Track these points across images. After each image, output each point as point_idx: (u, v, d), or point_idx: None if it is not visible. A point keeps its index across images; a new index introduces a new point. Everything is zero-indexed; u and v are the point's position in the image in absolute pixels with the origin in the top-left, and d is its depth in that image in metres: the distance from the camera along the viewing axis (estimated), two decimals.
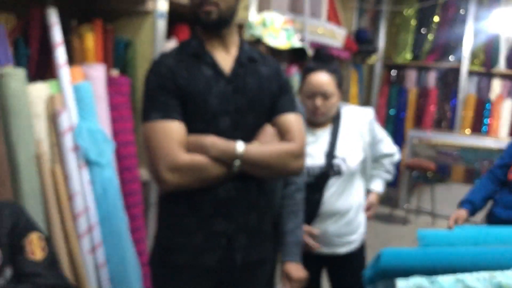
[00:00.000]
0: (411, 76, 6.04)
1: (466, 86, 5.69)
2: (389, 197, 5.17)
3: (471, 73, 5.66)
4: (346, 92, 5.38)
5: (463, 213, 2.13)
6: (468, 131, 5.63)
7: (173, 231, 1.37)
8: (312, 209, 1.84)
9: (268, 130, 1.37)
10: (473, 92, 5.77)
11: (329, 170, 1.84)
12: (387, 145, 2.04)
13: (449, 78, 5.83)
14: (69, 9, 1.96)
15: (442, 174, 5.36)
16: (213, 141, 1.29)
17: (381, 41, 5.98)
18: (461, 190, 4.36)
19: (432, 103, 5.86)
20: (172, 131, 1.27)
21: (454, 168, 5.57)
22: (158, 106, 1.29)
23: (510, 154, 2.25)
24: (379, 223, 4.50)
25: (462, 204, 2.20)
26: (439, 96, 5.88)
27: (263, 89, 1.39)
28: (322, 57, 1.86)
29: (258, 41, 1.73)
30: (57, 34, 1.74)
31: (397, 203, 4.85)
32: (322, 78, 1.79)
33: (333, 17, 4.84)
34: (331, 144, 1.85)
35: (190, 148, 1.28)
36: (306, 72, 1.83)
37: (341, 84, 1.84)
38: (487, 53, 5.63)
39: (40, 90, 1.65)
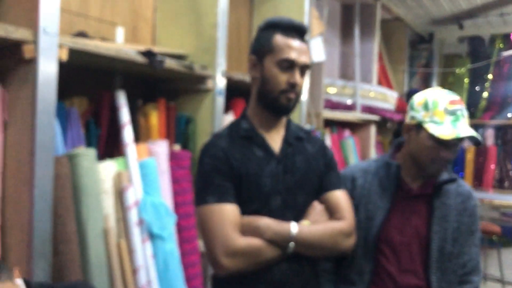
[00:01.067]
0: None
1: None
2: None
3: None
4: None
5: None
6: None
7: None
8: None
9: (317, 208, 1.37)
10: None
11: None
12: None
13: (509, 136, 5.63)
14: (136, 90, 2.10)
15: (508, 238, 5.04)
16: (267, 223, 1.28)
17: None
18: None
19: (492, 161, 5.64)
20: (228, 214, 1.27)
21: None
22: (213, 189, 1.30)
23: None
24: None
25: None
26: (499, 154, 5.66)
27: (311, 168, 1.40)
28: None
29: (419, 126, 1.52)
30: (125, 115, 1.86)
31: None
32: None
33: (384, 80, 4.87)
34: None
35: (244, 230, 1.28)
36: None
37: None
38: None
39: (108, 168, 1.75)
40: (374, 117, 4.22)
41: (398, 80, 5.30)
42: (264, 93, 1.36)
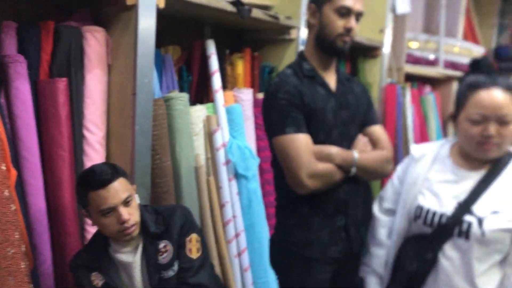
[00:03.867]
0: None
1: None
2: None
3: None
4: None
5: None
6: None
7: (304, 229, 1.48)
8: (421, 270, 1.33)
9: (363, 140, 1.52)
10: None
11: (454, 226, 1.27)
12: None
13: None
14: (223, 40, 2.13)
15: None
16: (337, 151, 1.43)
17: None
18: None
19: None
20: (306, 143, 1.40)
21: None
22: (291, 121, 1.41)
23: None
24: None
25: None
26: None
27: (359, 104, 1.55)
28: (488, 69, 1.31)
29: None
30: (214, 63, 1.91)
31: None
32: (498, 97, 1.24)
33: (470, 35, 4.53)
34: (474, 194, 1.28)
35: (318, 157, 1.41)
36: (470, 88, 1.29)
37: None
38: None
39: (199, 112, 1.82)
40: (457, 73, 3.97)
41: (486, 35, 4.89)
42: (322, 37, 1.47)
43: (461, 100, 1.32)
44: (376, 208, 1.52)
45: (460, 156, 1.36)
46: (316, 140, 1.43)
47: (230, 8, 1.78)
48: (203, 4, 1.65)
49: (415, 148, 1.45)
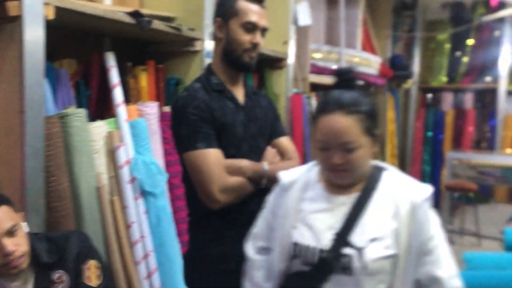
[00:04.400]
0: (448, 98, 5.88)
1: (505, 106, 5.47)
2: None
3: (510, 92, 5.46)
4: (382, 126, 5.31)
5: None
6: (509, 150, 5.38)
7: (218, 243, 1.46)
8: None
9: (272, 151, 1.54)
10: None
11: (333, 261, 1.11)
12: (443, 262, 1.14)
13: (487, 99, 5.64)
14: (125, 52, 2.04)
15: (484, 194, 5.13)
16: (247, 164, 1.44)
17: (416, 66, 5.88)
18: (505, 210, 4.17)
19: (470, 124, 5.66)
20: (217, 158, 1.40)
21: (496, 188, 5.32)
22: (201, 137, 1.40)
23: None
24: None
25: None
26: (477, 117, 5.68)
27: (266, 117, 1.58)
28: (346, 83, 1.18)
29: None
30: (114, 76, 1.81)
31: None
32: (338, 124, 1.10)
33: (368, 46, 4.81)
34: (349, 221, 1.13)
35: (228, 171, 1.41)
36: (317, 112, 1.16)
37: (373, 127, 1.14)
38: None
39: (99, 128, 1.72)
40: (358, 82, 4.19)
41: (382, 46, 5.23)
42: (229, 52, 1.47)
43: (314, 124, 1.21)
44: (249, 248, 1.31)
45: (329, 183, 1.20)
46: (227, 154, 1.43)
47: (129, 19, 1.70)
48: (99, 15, 1.56)
49: (283, 175, 1.26)
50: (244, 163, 1.44)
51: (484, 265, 1.62)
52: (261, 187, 1.45)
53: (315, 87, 3.77)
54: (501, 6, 5.16)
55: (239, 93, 1.53)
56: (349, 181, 1.16)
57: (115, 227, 1.68)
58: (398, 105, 5.83)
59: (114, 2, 2.12)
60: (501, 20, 5.23)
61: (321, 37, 4.27)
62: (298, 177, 1.24)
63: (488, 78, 5.62)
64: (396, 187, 1.15)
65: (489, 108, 5.61)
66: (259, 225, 1.31)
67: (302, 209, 1.19)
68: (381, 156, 5.27)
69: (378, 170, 1.19)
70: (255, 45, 1.45)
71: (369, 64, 4.48)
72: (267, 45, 2.75)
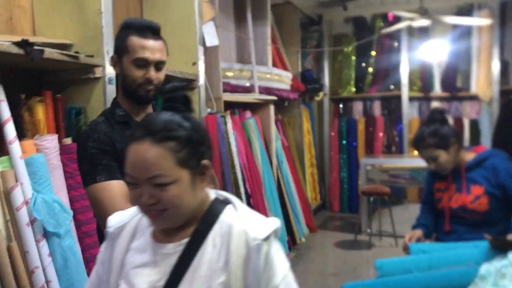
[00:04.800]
0: (358, 107, 6.18)
1: (409, 111, 5.86)
2: (352, 223, 5.17)
3: (411, 98, 5.85)
4: (300, 130, 5.45)
5: (418, 232, 2.10)
6: (416, 152, 5.74)
7: None
8: None
9: None
10: (416, 115, 5.95)
11: None
12: None
13: (393, 105, 6.00)
14: (19, 83, 1.90)
15: (398, 196, 5.42)
16: None
17: (326, 78, 6.13)
18: (417, 209, 4.40)
19: (380, 130, 5.99)
20: (120, 189, 1.34)
21: (408, 189, 5.65)
22: (102, 169, 1.36)
23: (428, 181, 2.26)
24: (345, 249, 4.48)
25: (415, 226, 2.19)
26: (385, 123, 6.02)
27: None
28: (171, 103, 0.97)
29: None
30: (5, 111, 1.67)
31: (360, 228, 4.85)
32: (145, 155, 0.90)
33: (279, 62, 4.93)
34: (173, 277, 0.92)
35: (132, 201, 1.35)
36: (128, 140, 0.95)
37: (193, 157, 0.93)
38: (423, 80, 5.85)
39: None
40: (272, 97, 4.28)
41: (293, 61, 5.40)
42: (125, 86, 1.47)
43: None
44: None
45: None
46: None
47: (16, 50, 1.58)
48: None
49: (111, 219, 1.04)
50: None
51: (394, 271, 1.69)
52: None
53: (231, 104, 3.79)
54: (397, 19, 5.55)
55: None
56: (169, 224, 0.94)
57: (15, 275, 1.54)
58: (313, 117, 6.04)
59: (4, 29, 1.97)
60: (398, 31, 5.61)
61: (233, 56, 4.32)
62: (127, 221, 1.02)
63: (392, 86, 5.99)
64: (234, 226, 0.92)
65: (395, 114, 5.97)
66: (91, 279, 1.06)
67: (126, 263, 0.97)
68: (301, 167, 5.41)
69: (219, 206, 0.97)
70: (149, 80, 1.44)
71: (281, 79, 4.60)
72: (176, 67, 2.72)
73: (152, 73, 1.44)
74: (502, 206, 1.98)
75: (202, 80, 2.91)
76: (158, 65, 1.46)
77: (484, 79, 5.47)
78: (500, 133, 3.23)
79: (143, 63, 1.43)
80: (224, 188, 3.07)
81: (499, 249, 1.59)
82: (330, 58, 6.22)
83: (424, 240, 2.07)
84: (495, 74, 5.33)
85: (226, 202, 0.99)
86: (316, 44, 6.08)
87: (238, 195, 3.30)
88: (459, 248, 1.76)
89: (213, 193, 1.01)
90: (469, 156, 2.08)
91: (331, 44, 6.24)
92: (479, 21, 5.05)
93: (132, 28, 1.44)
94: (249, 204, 3.47)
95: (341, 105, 6.34)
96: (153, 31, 1.45)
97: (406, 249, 1.95)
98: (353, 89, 6.19)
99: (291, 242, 4.23)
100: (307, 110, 5.78)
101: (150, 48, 1.43)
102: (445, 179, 2.11)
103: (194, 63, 2.86)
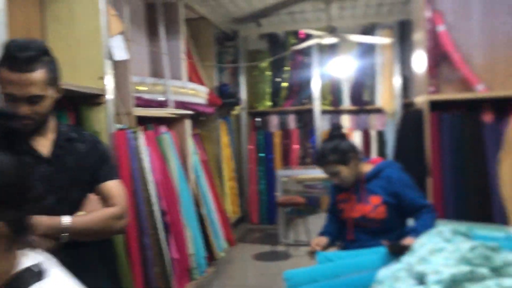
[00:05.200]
0: (274, 121, 6.34)
1: (321, 124, 6.11)
2: (271, 235, 5.24)
3: (323, 112, 6.11)
4: (217, 143, 5.46)
5: (323, 238, 2.18)
6: None
7: None
8: None
9: (92, 199, 1.49)
10: (327, 128, 6.21)
11: None
12: None
13: (306, 119, 6.23)
14: None
15: (312, 206, 5.60)
16: (38, 220, 1.34)
17: (243, 93, 6.22)
18: None
19: (295, 142, 6.18)
20: None
21: (322, 199, 5.86)
22: None
23: (332, 193, 2.37)
24: (264, 261, 4.52)
25: (322, 234, 2.27)
26: (300, 136, 6.22)
27: (83, 165, 1.52)
28: None
29: None
30: None
31: (277, 239, 4.93)
32: None
33: (194, 77, 4.92)
34: None
35: None
36: None
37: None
38: (333, 94, 6.14)
39: None
40: (188, 112, 4.24)
41: (209, 76, 5.41)
42: None
43: None
44: None
45: None
46: None
47: None
48: None
49: None
50: (36, 220, 1.31)
51: (302, 281, 1.73)
52: (62, 242, 1.38)
53: (145, 120, 3.69)
54: (308, 36, 5.79)
55: (43, 145, 1.47)
56: None
57: None
58: (232, 130, 6.09)
59: None
60: (309, 48, 5.86)
61: (146, 70, 4.23)
62: None
63: (305, 100, 6.22)
64: None
65: (308, 126, 6.20)
66: None
67: None
68: (220, 180, 5.40)
69: (24, 280, 0.76)
70: (21, 115, 1.36)
71: (197, 94, 4.58)
72: (81, 82, 2.59)
73: (24, 108, 1.36)
74: (397, 213, 2.11)
75: (110, 95, 2.81)
76: (31, 99, 1.36)
77: (387, 93, 5.86)
78: (398, 144, 3.46)
79: (12, 98, 1.35)
80: (137, 207, 2.98)
81: (395, 253, 1.69)
82: (246, 73, 6.33)
83: (328, 247, 2.17)
84: (397, 89, 5.74)
85: (39, 275, 0.77)
86: (232, 59, 6.15)
87: (151, 212, 3.20)
88: (362, 255, 1.84)
89: (30, 261, 0.79)
90: (367, 168, 2.20)
91: (247, 60, 6.35)
92: (381, 39, 5.42)
93: (6, 59, 1.34)
94: (164, 221, 3.39)
95: (258, 119, 6.45)
96: (27, 62, 1.34)
97: (312, 255, 2.02)
98: (269, 103, 6.34)
99: (210, 258, 4.19)
100: (226, 124, 5.81)
101: (18, 82, 1.33)
102: (347, 191, 2.21)
103: (101, 78, 2.76)
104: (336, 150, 2.11)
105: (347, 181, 2.14)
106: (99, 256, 1.58)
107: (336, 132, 2.17)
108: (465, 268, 1.51)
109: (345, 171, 2.11)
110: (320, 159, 2.15)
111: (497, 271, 1.54)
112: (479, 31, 3.35)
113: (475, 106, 3.31)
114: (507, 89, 3.28)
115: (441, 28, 3.31)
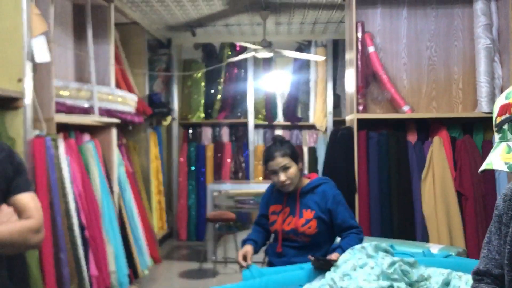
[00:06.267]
0: (207, 133, 6.33)
1: (255, 138, 6.19)
2: (199, 252, 5.19)
3: (257, 126, 6.20)
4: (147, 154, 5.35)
5: (249, 248, 2.21)
6: (260, 179, 6.08)
7: None
8: None
9: (5, 210, 1.43)
10: (261, 142, 6.31)
11: None
12: None
13: (240, 132, 6.29)
14: None
15: (243, 221, 5.63)
16: None
17: (176, 103, 6.17)
18: None
19: (228, 156, 6.21)
20: None
21: (253, 214, 5.91)
22: None
23: (263, 205, 2.42)
24: (190, 279, 4.47)
25: (246, 241, 2.29)
26: (233, 149, 6.26)
27: None
28: None
29: None
30: None
31: (205, 256, 4.89)
32: None
33: (123, 83, 4.82)
34: None
35: None
36: None
37: None
38: (267, 109, 6.25)
39: None
40: (114, 120, 4.13)
41: (139, 83, 5.31)
42: None
43: None
44: None
45: None
46: None
47: None
48: None
49: None
50: None
51: None
52: None
53: (66, 127, 3.54)
54: (244, 49, 5.88)
55: None
56: None
57: None
58: (161, 141, 5.99)
59: None
60: (245, 61, 5.95)
61: (70, 74, 4.08)
62: None
63: (239, 114, 6.28)
64: None
65: (242, 140, 6.26)
66: None
67: None
68: (147, 194, 5.28)
69: None
70: None
71: (125, 101, 4.47)
72: None
73: None
74: (327, 230, 2.20)
75: (29, 98, 2.68)
76: None
77: (320, 110, 6.08)
78: (328, 161, 3.61)
79: None
80: (53, 220, 2.84)
81: (319, 269, 1.75)
82: (179, 83, 6.29)
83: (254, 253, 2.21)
84: (329, 106, 5.97)
85: None
86: (165, 68, 6.09)
87: (70, 226, 3.07)
88: (287, 271, 1.89)
89: None
90: (304, 182, 2.27)
91: (181, 69, 6.32)
92: (315, 56, 5.63)
93: None
94: (83, 236, 3.26)
95: (190, 131, 6.41)
96: None
97: (242, 267, 2.06)
98: (202, 115, 6.33)
99: (132, 275, 4.07)
100: (155, 135, 5.71)
101: None
102: (280, 202, 2.27)
103: (20, 80, 2.62)
104: (291, 146, 2.23)
105: (292, 181, 2.20)
106: (8, 274, 1.49)
107: (279, 138, 2.27)
108: (385, 284, 1.61)
109: (294, 169, 2.19)
110: (275, 151, 2.19)
111: (414, 286, 1.65)
112: (406, 54, 3.59)
113: (401, 126, 3.53)
114: (430, 111, 3.54)
115: (371, 49, 3.51)
